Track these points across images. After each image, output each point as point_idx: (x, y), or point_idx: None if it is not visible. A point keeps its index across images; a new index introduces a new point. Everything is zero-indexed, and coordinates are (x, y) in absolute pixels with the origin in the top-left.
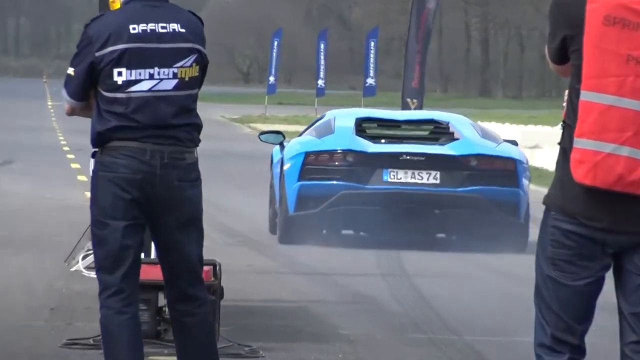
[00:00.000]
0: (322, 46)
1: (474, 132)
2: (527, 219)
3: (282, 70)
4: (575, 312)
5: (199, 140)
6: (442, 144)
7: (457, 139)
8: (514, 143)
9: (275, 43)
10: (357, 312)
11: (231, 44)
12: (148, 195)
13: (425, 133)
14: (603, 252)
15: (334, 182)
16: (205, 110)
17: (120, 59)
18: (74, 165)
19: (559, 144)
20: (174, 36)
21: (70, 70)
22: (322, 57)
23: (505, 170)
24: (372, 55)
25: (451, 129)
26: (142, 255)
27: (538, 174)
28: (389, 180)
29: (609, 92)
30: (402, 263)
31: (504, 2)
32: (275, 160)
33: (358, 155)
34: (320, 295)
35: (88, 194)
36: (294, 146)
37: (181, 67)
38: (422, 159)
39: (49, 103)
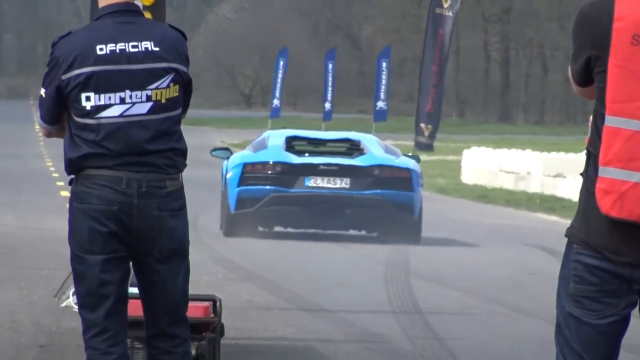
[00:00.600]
0: (329, 66)
1: (379, 148)
2: (420, 217)
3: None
4: (599, 353)
5: (184, 166)
6: (353, 157)
7: (365, 153)
8: (416, 158)
9: (281, 63)
10: (367, 351)
11: (232, 64)
12: (126, 227)
13: (342, 149)
14: (629, 288)
15: (266, 187)
16: (204, 135)
17: (87, 83)
18: (64, 194)
19: (581, 174)
20: (146, 56)
21: (42, 91)
22: (329, 79)
23: (402, 178)
24: (383, 77)
25: (361, 146)
26: (132, 289)
27: (561, 205)
28: (310, 185)
29: (637, 117)
30: (414, 299)
31: (526, 20)
32: (224, 172)
33: (285, 166)
34: (326, 333)
35: None
36: (235, 159)
37: (156, 88)
38: (336, 168)
39: (37, 127)
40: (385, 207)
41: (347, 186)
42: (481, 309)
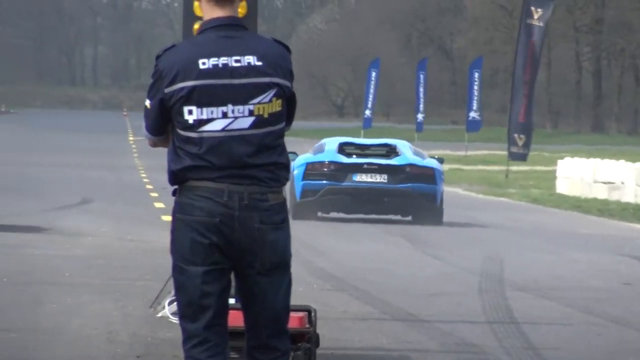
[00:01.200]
0: (421, 77)
1: (410, 151)
2: (442, 204)
3: (379, 104)
4: None
5: (286, 179)
6: (390, 158)
7: (399, 155)
8: (440, 160)
9: (373, 74)
10: None
11: (324, 75)
12: (228, 239)
13: (381, 152)
14: None
15: (323, 181)
16: (296, 147)
17: (190, 97)
18: (158, 205)
19: None
20: (248, 70)
21: (147, 103)
22: (421, 89)
23: (427, 174)
24: (475, 88)
25: (396, 150)
26: (231, 300)
27: None
28: (356, 180)
29: None
30: (509, 309)
31: (618, 30)
32: (292, 170)
33: (338, 165)
34: (422, 343)
35: None
36: (300, 159)
37: (258, 103)
38: (376, 167)
39: (130, 138)
40: (414, 196)
41: (385, 181)
42: (576, 319)
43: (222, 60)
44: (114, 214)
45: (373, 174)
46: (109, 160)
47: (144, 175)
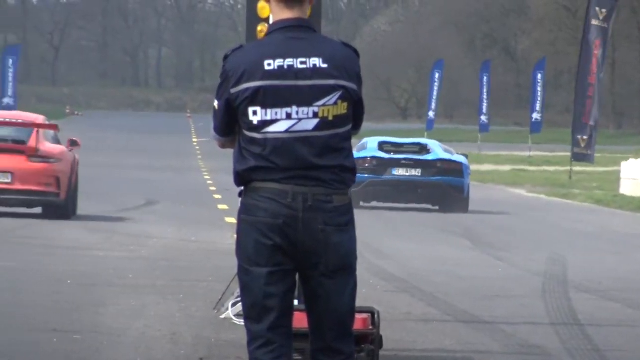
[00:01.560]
0: (484, 79)
1: (440, 149)
2: (468, 195)
3: (443, 105)
4: None
5: (352, 182)
6: (422, 155)
7: (430, 152)
8: (465, 156)
9: (436, 75)
10: None
11: (388, 77)
12: (291, 241)
13: (415, 149)
14: None
15: (365, 175)
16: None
17: (255, 98)
18: (221, 207)
19: None
20: (314, 72)
21: (215, 103)
22: (484, 91)
23: (456, 169)
24: (539, 89)
25: (428, 147)
26: (295, 302)
27: None
28: (394, 173)
29: None
30: (573, 311)
31: None
32: None
33: (378, 160)
34: (485, 344)
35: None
36: None
37: (323, 105)
38: (412, 162)
39: (194, 140)
40: (444, 188)
41: (419, 174)
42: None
43: (288, 61)
44: (178, 216)
45: (409, 169)
46: (173, 162)
47: (207, 177)
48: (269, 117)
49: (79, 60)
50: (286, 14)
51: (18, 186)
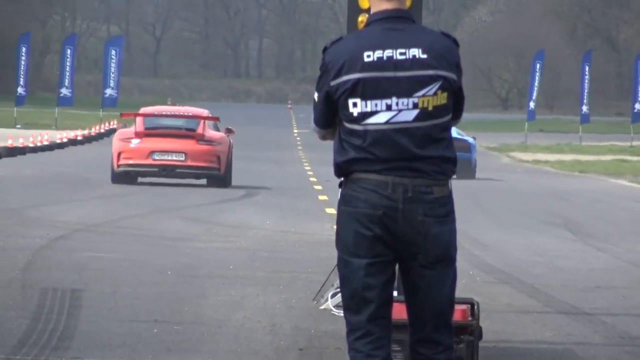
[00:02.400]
0: (586, 69)
1: (454, 131)
2: (475, 166)
3: (544, 95)
4: None
5: (452, 172)
6: None
7: None
8: (473, 138)
9: (537, 65)
10: (627, 355)
11: (488, 67)
12: (391, 232)
13: None
14: None
15: None
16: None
17: (354, 89)
18: (322, 197)
19: None
20: (413, 63)
21: (315, 95)
22: (585, 81)
23: (465, 146)
24: None
25: None
26: (395, 293)
27: None
28: None
29: None
30: None
31: None
32: None
33: None
34: (585, 336)
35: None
36: None
37: (422, 96)
38: None
39: (295, 131)
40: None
41: None
42: None
43: (387, 52)
44: (279, 207)
45: None
46: (274, 153)
47: (307, 167)
48: (369, 109)
49: (181, 52)
50: (385, 5)
51: (189, 163)
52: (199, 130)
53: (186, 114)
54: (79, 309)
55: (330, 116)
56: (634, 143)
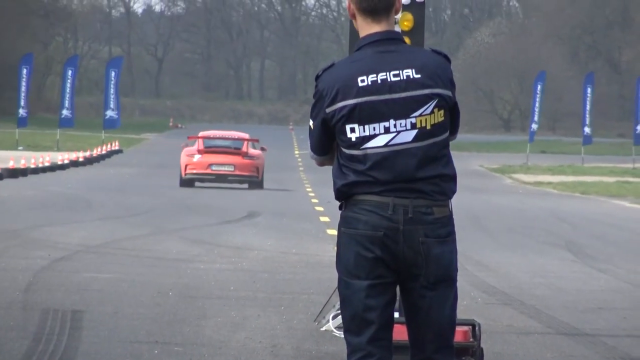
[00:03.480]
0: (588, 90)
1: None
2: None
3: (546, 117)
4: None
5: (452, 192)
6: None
7: None
8: None
9: (539, 87)
10: None
11: (490, 88)
12: (392, 253)
13: None
14: None
15: None
16: (463, 160)
17: (351, 115)
18: (323, 219)
19: None
20: (407, 84)
21: (311, 123)
22: (587, 103)
23: None
24: None
25: None
26: (396, 314)
27: None
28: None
29: None
30: None
31: None
32: None
33: None
34: (587, 357)
35: None
36: None
37: (420, 115)
38: None
39: (296, 152)
40: None
41: None
42: None
43: (381, 75)
44: (280, 228)
45: None
46: (275, 174)
47: (309, 189)
48: (367, 133)
49: (183, 73)
50: (374, 28)
51: (237, 172)
52: (244, 148)
53: (234, 136)
54: (80, 330)
55: (327, 143)
56: (636, 165)
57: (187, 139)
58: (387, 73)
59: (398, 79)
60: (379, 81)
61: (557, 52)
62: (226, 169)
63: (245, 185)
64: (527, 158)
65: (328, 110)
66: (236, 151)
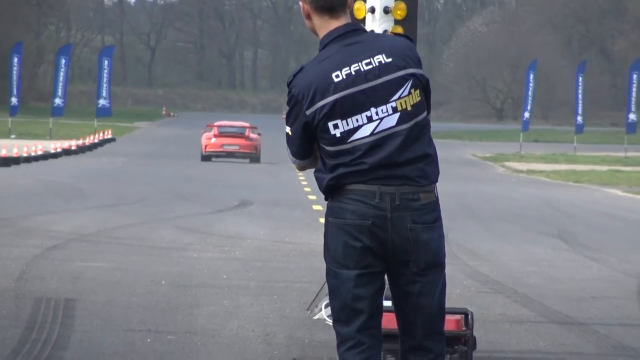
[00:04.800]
0: (580, 79)
1: None
2: None
3: (539, 106)
4: None
5: (437, 175)
6: None
7: None
8: None
9: (531, 76)
10: None
11: (483, 77)
12: (381, 241)
13: None
14: None
15: None
16: (456, 149)
17: (332, 112)
18: (316, 207)
19: None
20: (381, 69)
21: (288, 129)
22: (580, 92)
23: None
24: (634, 90)
25: None
26: (386, 303)
27: None
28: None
29: None
30: None
31: None
32: None
33: None
34: (579, 346)
35: None
36: None
37: (399, 98)
38: None
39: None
40: None
41: None
42: None
43: (354, 67)
44: (272, 217)
45: None
46: (268, 163)
47: (302, 177)
48: (351, 126)
49: (175, 62)
50: (334, 24)
51: (241, 150)
52: (246, 133)
53: (239, 125)
54: (73, 318)
55: (308, 146)
56: (628, 153)
57: (206, 126)
58: (359, 63)
59: (371, 66)
60: (353, 73)
61: (550, 41)
62: (233, 148)
63: (247, 160)
64: (520, 147)
65: (308, 112)
66: (241, 135)
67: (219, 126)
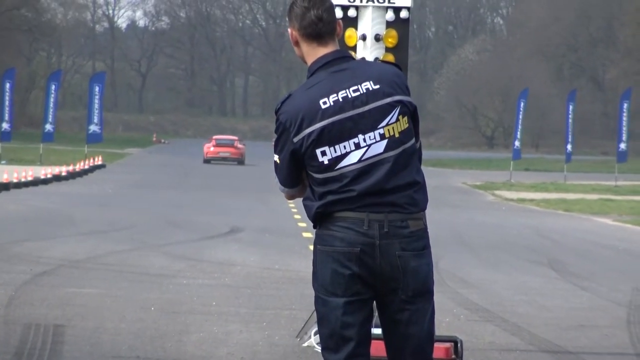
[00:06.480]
0: (570, 108)
1: None
2: None
3: (529, 134)
4: None
5: (425, 202)
6: None
7: None
8: None
9: (522, 104)
10: None
11: (474, 105)
12: (369, 269)
13: None
14: None
15: None
16: (447, 177)
17: (320, 138)
18: (306, 235)
19: None
20: (368, 96)
21: (276, 158)
22: (570, 120)
23: None
24: (624, 119)
25: None
26: (375, 330)
27: None
28: None
29: None
30: None
31: None
32: None
33: None
34: None
35: None
36: None
37: (386, 125)
38: None
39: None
40: None
41: None
42: None
43: (341, 94)
44: (262, 244)
45: None
46: (258, 190)
47: (292, 205)
48: (339, 153)
49: (166, 88)
50: (322, 51)
51: (231, 156)
52: (235, 144)
53: (230, 138)
54: (62, 344)
55: (297, 174)
56: (619, 182)
57: (207, 140)
58: (347, 90)
59: (358, 93)
60: (341, 99)
61: (541, 70)
62: (226, 154)
63: (235, 163)
64: (511, 175)
65: (296, 139)
66: (231, 145)
67: (216, 139)
